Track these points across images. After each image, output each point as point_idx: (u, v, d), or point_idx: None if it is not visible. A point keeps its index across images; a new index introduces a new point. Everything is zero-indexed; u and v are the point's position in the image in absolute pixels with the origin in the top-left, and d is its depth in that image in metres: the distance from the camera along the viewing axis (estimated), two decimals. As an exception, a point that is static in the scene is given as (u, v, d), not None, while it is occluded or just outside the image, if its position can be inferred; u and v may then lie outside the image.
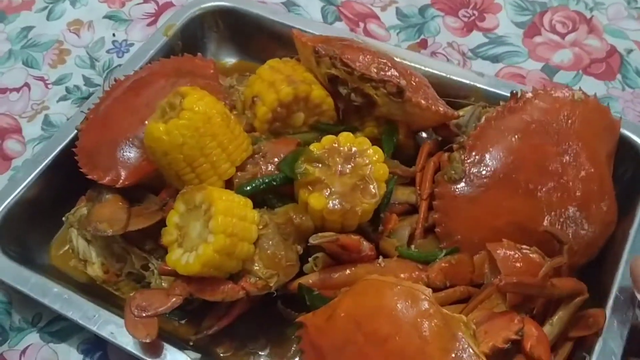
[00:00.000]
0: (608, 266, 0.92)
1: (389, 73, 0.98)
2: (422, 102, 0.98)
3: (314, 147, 0.90)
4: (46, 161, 1.07)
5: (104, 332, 0.89)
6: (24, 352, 1.02)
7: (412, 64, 1.13)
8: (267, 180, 0.92)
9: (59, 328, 1.03)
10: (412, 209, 0.99)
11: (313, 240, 0.85)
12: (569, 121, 0.97)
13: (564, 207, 0.93)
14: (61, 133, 1.11)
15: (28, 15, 1.51)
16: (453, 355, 0.72)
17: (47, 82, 1.37)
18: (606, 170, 0.98)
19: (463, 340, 0.73)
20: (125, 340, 0.88)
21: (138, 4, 1.52)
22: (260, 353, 0.96)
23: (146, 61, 1.20)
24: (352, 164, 0.89)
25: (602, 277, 0.91)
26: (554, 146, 0.95)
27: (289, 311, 0.93)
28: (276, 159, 0.95)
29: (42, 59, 1.41)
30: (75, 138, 1.08)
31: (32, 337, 1.03)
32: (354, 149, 0.90)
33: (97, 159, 1.01)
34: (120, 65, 1.33)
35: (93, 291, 1.01)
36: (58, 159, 1.08)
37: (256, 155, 0.96)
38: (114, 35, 1.45)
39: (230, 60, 1.36)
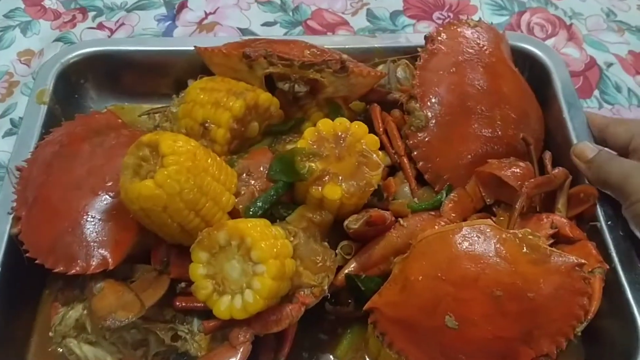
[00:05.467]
0: (563, 150, 1.05)
1: (323, 53, 0.99)
2: (362, 69, 1.01)
3: (303, 144, 0.89)
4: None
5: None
6: None
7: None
8: (272, 194, 0.88)
9: None
10: (392, 170, 1.03)
11: (352, 225, 0.84)
12: (478, 44, 1.08)
13: (511, 115, 1.03)
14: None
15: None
16: (544, 262, 0.78)
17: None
18: (519, 74, 1.12)
19: (541, 247, 0.79)
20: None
21: (90, 27, 1.38)
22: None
23: (38, 137, 1.05)
24: (345, 145, 0.89)
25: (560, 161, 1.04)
26: (482, 68, 1.05)
27: (338, 308, 0.92)
28: (261, 171, 0.92)
29: None
30: (10, 244, 0.92)
31: None
32: (338, 131, 0.90)
33: (65, 252, 0.86)
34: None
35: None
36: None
37: (242, 176, 0.91)
38: None
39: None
